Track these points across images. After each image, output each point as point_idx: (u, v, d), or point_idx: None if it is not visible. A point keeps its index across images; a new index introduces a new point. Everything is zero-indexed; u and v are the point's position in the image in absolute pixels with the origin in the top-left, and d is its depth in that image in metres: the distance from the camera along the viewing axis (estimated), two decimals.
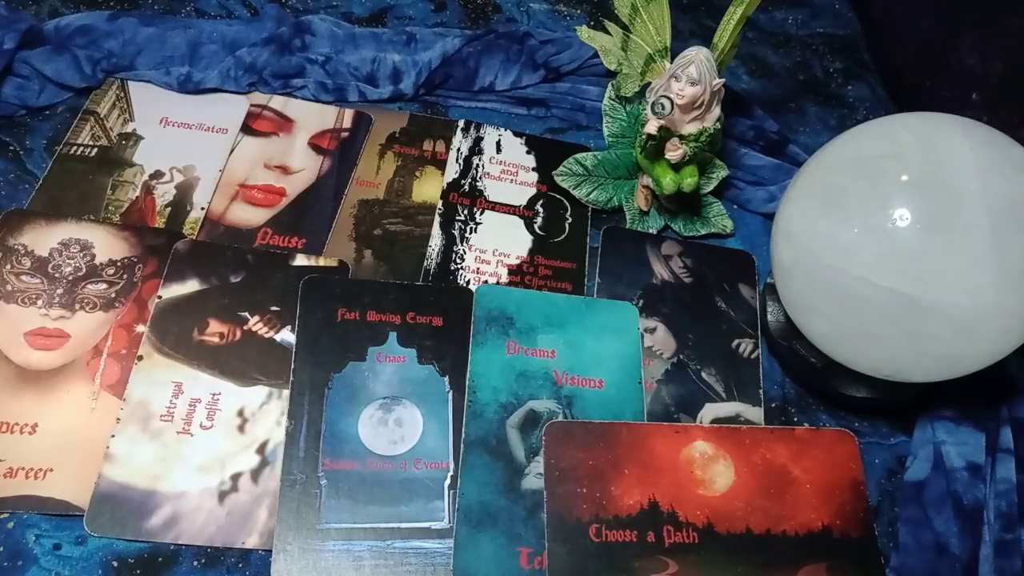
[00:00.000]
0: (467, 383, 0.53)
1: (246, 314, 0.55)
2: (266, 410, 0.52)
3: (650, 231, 0.64)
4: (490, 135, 0.68)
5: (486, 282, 0.60)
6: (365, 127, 0.66)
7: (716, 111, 0.59)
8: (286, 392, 0.52)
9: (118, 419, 0.50)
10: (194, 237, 0.58)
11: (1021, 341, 0.48)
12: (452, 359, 0.55)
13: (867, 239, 0.47)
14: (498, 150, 0.67)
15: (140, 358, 0.52)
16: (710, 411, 0.56)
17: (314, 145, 0.64)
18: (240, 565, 0.47)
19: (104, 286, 0.55)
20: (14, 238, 0.56)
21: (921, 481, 0.55)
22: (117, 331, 0.53)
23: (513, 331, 0.56)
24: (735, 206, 0.68)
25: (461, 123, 0.68)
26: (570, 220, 0.64)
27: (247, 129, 0.64)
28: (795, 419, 0.58)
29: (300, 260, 0.58)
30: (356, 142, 0.65)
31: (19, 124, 0.62)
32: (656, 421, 0.55)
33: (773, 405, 0.58)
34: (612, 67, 0.64)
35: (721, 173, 0.66)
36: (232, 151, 0.63)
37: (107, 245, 0.56)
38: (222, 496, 0.49)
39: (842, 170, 0.50)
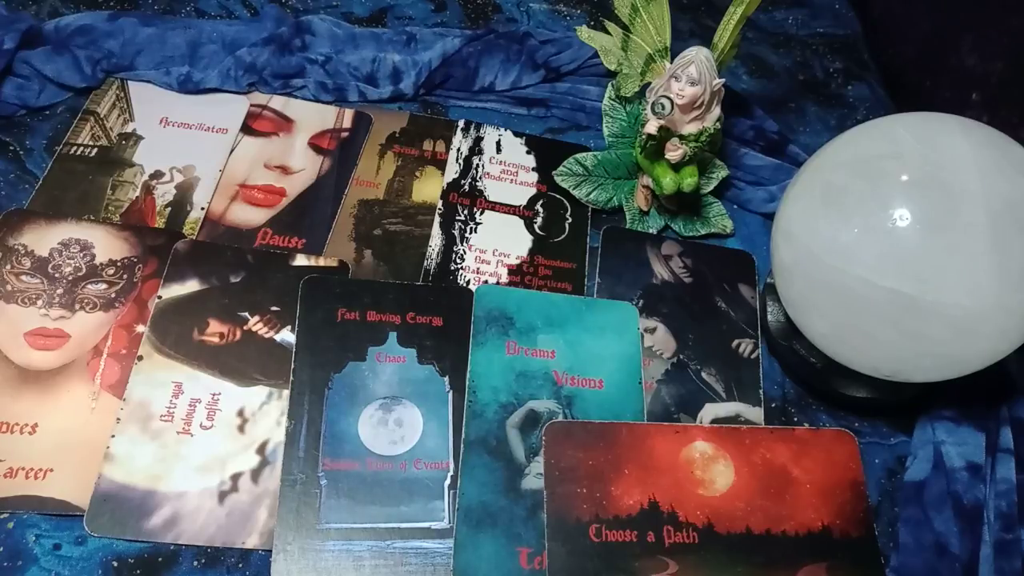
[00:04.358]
0: (467, 383, 0.53)
1: (246, 314, 0.55)
2: (266, 410, 0.52)
3: (650, 231, 0.64)
4: (490, 135, 0.68)
5: (486, 282, 0.60)
6: (365, 127, 0.66)
7: (716, 111, 0.59)
8: (286, 392, 0.52)
9: (118, 419, 0.50)
10: (194, 237, 0.58)
11: (1021, 341, 0.48)
12: (452, 359, 0.55)
13: (867, 239, 0.47)
14: (498, 150, 0.67)
15: (140, 358, 0.52)
16: (710, 411, 0.56)
17: (314, 145, 0.64)
18: (240, 565, 0.47)
19: (104, 286, 0.55)
20: (14, 238, 0.56)
21: (921, 481, 0.55)
22: (117, 331, 0.53)
23: (513, 331, 0.56)
24: (735, 206, 0.68)
25: (461, 123, 0.68)
26: (570, 220, 0.64)
27: (247, 129, 0.64)
28: (795, 419, 0.58)
29: (300, 260, 0.58)
30: (356, 142, 0.65)
31: (19, 124, 0.62)
32: (656, 421, 0.55)
33: (773, 405, 0.58)
34: (612, 67, 0.64)
35: (721, 173, 0.65)
36: (232, 151, 0.63)
37: (107, 245, 0.56)
38: (222, 496, 0.49)
39: (842, 170, 0.50)
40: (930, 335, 0.47)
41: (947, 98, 0.77)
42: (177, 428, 0.50)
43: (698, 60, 0.56)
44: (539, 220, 0.64)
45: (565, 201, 0.65)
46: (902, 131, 0.49)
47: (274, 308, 0.56)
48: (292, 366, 0.53)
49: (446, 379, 0.54)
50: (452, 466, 0.51)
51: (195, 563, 0.47)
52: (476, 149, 0.67)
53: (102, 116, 0.63)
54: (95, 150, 0.61)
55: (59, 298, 0.54)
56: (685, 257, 0.63)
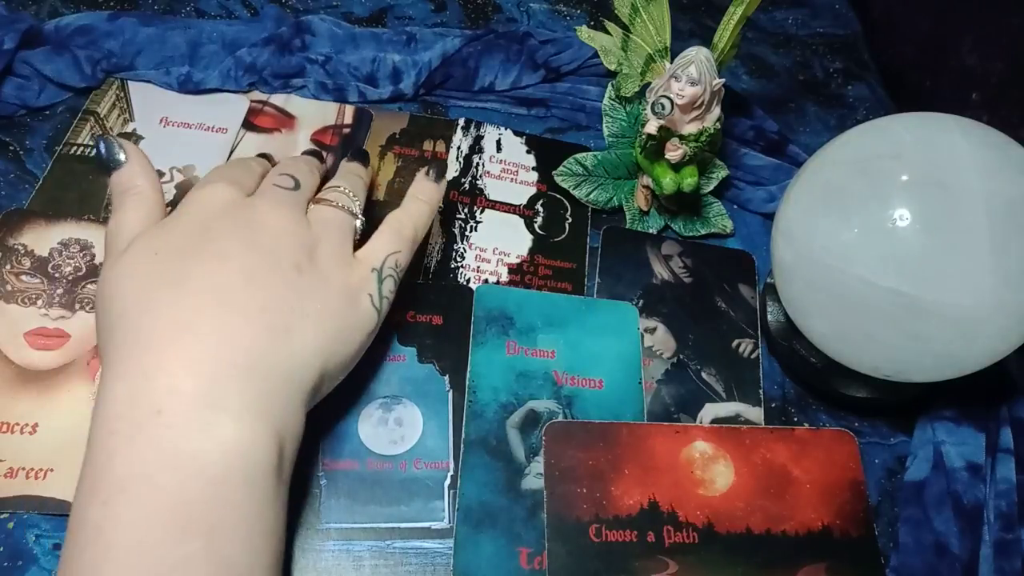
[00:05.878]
0: (467, 383, 0.53)
1: None
2: None
3: (650, 231, 0.64)
4: (490, 134, 0.68)
5: (486, 281, 0.60)
6: (367, 123, 0.66)
7: (716, 111, 0.59)
8: None
9: None
10: None
11: (1021, 341, 0.48)
12: (452, 358, 0.55)
13: (867, 239, 0.47)
14: (498, 149, 0.67)
15: None
16: (710, 411, 0.56)
17: (316, 141, 0.64)
18: None
19: None
20: (14, 238, 0.56)
21: (921, 481, 0.55)
22: None
23: (513, 331, 0.56)
24: (735, 206, 0.68)
25: (461, 121, 0.68)
26: (570, 220, 0.64)
27: (249, 125, 0.64)
28: (795, 419, 0.58)
29: None
30: (358, 138, 0.65)
31: (19, 124, 0.62)
32: (656, 421, 0.55)
33: (773, 405, 0.58)
34: (612, 67, 0.64)
35: (721, 173, 0.65)
36: (233, 149, 0.63)
37: None
38: None
39: (842, 170, 0.50)
40: (930, 335, 0.47)
41: (947, 98, 0.77)
42: None
43: (698, 60, 0.56)
44: (539, 220, 0.64)
45: (565, 201, 0.65)
46: (902, 131, 0.49)
47: None
48: None
49: (446, 378, 0.54)
50: (452, 466, 0.51)
51: None
52: (476, 148, 0.67)
53: (102, 116, 0.63)
54: (95, 150, 0.61)
55: (59, 298, 0.54)
56: (685, 257, 0.63)
